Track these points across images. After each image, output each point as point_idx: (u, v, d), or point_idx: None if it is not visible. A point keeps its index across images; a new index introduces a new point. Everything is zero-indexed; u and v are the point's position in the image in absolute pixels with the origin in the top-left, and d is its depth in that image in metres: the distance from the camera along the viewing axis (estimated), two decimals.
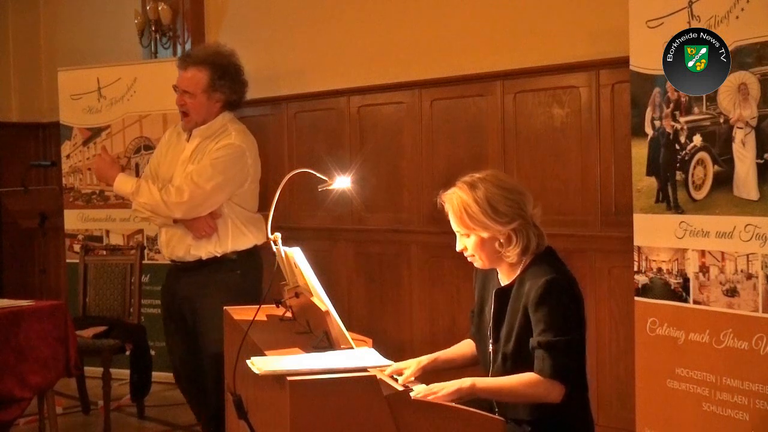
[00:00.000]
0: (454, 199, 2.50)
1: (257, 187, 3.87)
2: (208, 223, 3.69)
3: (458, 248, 2.57)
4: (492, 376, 2.53)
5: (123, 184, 3.76)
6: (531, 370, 2.39)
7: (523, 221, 2.48)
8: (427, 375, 2.62)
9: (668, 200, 3.54)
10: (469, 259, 2.59)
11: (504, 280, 2.57)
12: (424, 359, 2.64)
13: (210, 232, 3.71)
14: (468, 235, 2.51)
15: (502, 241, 2.48)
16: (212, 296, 3.70)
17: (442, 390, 2.30)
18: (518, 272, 2.51)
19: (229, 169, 3.69)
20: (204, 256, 3.74)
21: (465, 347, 2.77)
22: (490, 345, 2.56)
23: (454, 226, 2.54)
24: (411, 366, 2.59)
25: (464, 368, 2.72)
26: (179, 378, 4.04)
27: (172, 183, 3.73)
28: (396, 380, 2.49)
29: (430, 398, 2.27)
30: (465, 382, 2.34)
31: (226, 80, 3.76)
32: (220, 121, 3.78)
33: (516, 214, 2.47)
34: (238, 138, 3.75)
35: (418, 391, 2.33)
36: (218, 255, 3.75)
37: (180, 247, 3.76)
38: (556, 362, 2.34)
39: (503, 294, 2.53)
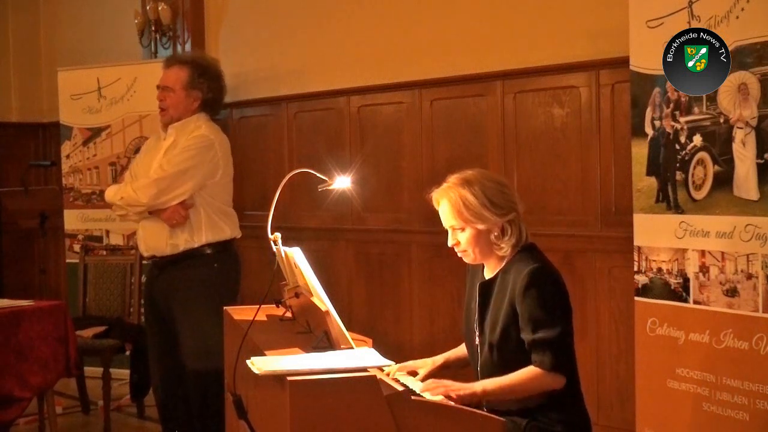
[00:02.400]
0: (451, 193, 2.56)
1: (230, 182, 3.95)
2: (179, 211, 3.75)
3: (450, 243, 2.62)
4: (480, 366, 2.58)
5: (110, 190, 3.90)
6: (517, 358, 2.46)
7: (516, 214, 2.56)
8: (441, 373, 2.66)
9: (668, 200, 3.54)
10: (459, 254, 2.64)
11: (488, 273, 2.63)
12: (440, 358, 2.72)
13: (181, 220, 3.75)
14: (463, 229, 2.56)
15: (497, 233, 2.54)
16: (188, 291, 3.76)
17: (459, 390, 2.35)
18: (503, 265, 2.57)
19: (196, 157, 3.77)
20: (182, 247, 3.77)
21: None
22: (477, 337, 2.60)
23: (449, 220, 2.58)
24: (427, 365, 2.66)
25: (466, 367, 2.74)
26: (163, 401, 3.97)
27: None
28: (397, 380, 2.49)
29: (451, 394, 2.32)
30: (477, 386, 2.40)
31: (204, 79, 3.90)
32: (195, 120, 3.88)
33: (510, 207, 2.55)
34: (208, 131, 3.86)
35: (434, 384, 2.37)
36: (195, 246, 3.79)
37: (157, 239, 3.79)
38: (555, 355, 2.40)
39: (487, 287, 2.60)
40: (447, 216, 2.58)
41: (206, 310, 3.49)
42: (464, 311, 2.73)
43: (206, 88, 3.88)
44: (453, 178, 2.60)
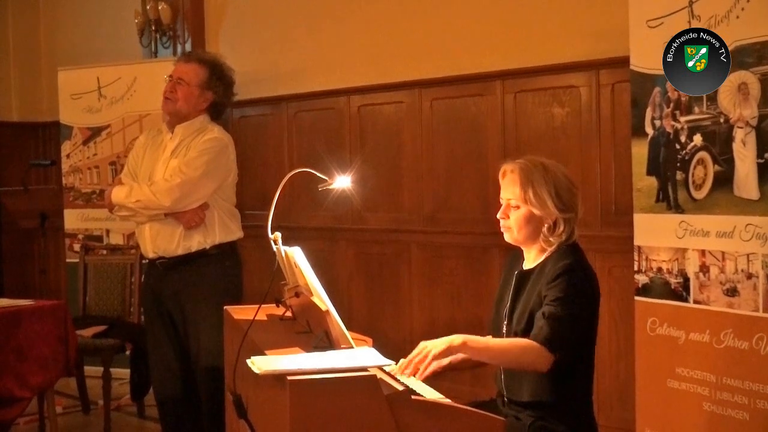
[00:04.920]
0: (525, 169, 2.55)
1: (235, 184, 3.96)
2: (197, 214, 3.75)
3: (499, 215, 2.61)
4: None
5: (118, 191, 3.82)
6: None
7: (574, 215, 2.57)
8: (445, 374, 2.64)
9: (668, 200, 3.54)
10: (502, 228, 2.62)
11: (527, 264, 2.63)
12: (444, 360, 2.64)
13: (199, 222, 3.76)
14: (518, 207, 2.56)
15: (549, 224, 2.54)
16: (201, 290, 3.75)
17: (431, 350, 2.33)
18: (543, 258, 2.57)
19: (214, 161, 3.77)
20: (194, 248, 3.77)
21: None
22: (504, 326, 2.60)
23: (509, 193, 2.57)
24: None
25: (481, 366, 2.72)
26: (164, 401, 3.94)
27: (154, 178, 3.78)
28: (397, 380, 2.49)
29: (422, 366, 2.31)
30: (456, 338, 2.37)
31: (221, 83, 3.89)
32: (201, 121, 3.87)
33: (572, 206, 2.56)
34: (220, 133, 3.87)
35: (408, 360, 2.35)
36: (207, 247, 3.79)
37: (170, 241, 3.77)
38: (552, 332, 2.38)
39: (524, 277, 2.60)
40: (509, 188, 2.57)
41: (219, 308, 3.47)
42: (495, 300, 2.73)
43: (220, 92, 3.87)
44: (530, 158, 2.59)
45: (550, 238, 2.55)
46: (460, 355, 2.76)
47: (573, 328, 2.42)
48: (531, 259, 2.62)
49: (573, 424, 2.50)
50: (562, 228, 2.54)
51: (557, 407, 2.48)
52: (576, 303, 2.42)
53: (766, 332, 3.17)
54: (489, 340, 2.46)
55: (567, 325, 2.39)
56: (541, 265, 2.56)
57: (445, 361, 2.54)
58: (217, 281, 3.79)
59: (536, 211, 2.53)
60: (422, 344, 2.38)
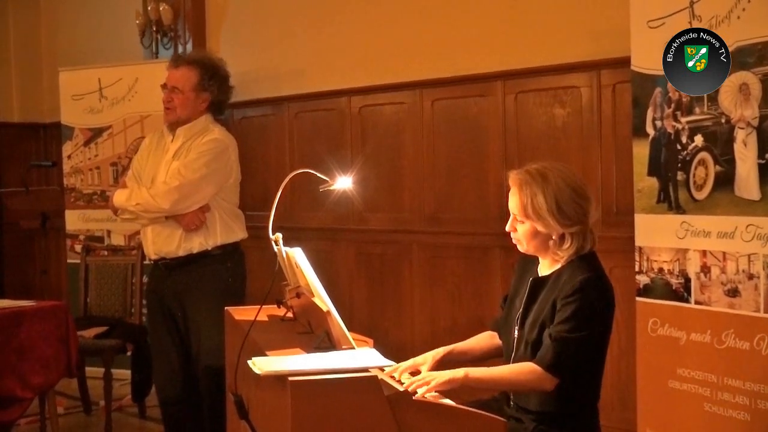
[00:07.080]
0: (524, 185, 2.49)
1: (238, 184, 3.96)
2: (198, 216, 3.76)
3: (508, 228, 2.57)
4: (513, 361, 2.55)
5: (119, 195, 3.84)
6: None
7: (582, 227, 2.49)
8: (443, 368, 2.62)
9: (669, 200, 3.54)
10: (514, 241, 2.59)
11: (543, 270, 2.59)
12: (440, 351, 2.64)
13: (199, 225, 3.76)
14: (523, 222, 2.51)
15: (555, 239, 2.49)
16: (202, 291, 3.75)
17: (434, 380, 2.31)
18: (558, 267, 2.52)
19: (213, 162, 3.77)
20: (195, 249, 3.77)
21: (483, 339, 2.77)
22: (516, 331, 2.57)
23: (513, 207, 2.53)
24: (427, 361, 2.58)
25: (482, 360, 2.70)
26: (166, 401, 3.95)
27: (157, 180, 3.78)
28: (399, 381, 2.49)
29: (422, 389, 2.28)
30: (458, 372, 2.35)
31: (215, 81, 3.88)
32: (203, 122, 3.87)
33: (578, 219, 2.48)
34: (221, 134, 3.86)
35: (411, 381, 2.33)
36: (209, 248, 3.79)
37: (170, 242, 3.78)
38: (558, 357, 2.36)
39: (539, 284, 2.55)
40: (512, 201, 2.53)
41: (220, 308, 3.48)
42: (506, 303, 2.70)
43: (216, 91, 3.86)
44: (533, 168, 2.51)
45: (558, 252, 2.50)
46: (465, 347, 2.75)
47: (580, 351, 2.39)
48: (546, 266, 2.58)
49: (576, 430, 2.49)
50: (569, 243, 2.48)
51: (563, 415, 2.46)
52: (587, 325, 2.38)
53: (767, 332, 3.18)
54: (489, 370, 2.43)
55: (573, 349, 2.37)
56: (557, 274, 2.51)
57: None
58: (218, 281, 3.79)
59: (540, 228, 2.48)
60: (426, 373, 2.38)
